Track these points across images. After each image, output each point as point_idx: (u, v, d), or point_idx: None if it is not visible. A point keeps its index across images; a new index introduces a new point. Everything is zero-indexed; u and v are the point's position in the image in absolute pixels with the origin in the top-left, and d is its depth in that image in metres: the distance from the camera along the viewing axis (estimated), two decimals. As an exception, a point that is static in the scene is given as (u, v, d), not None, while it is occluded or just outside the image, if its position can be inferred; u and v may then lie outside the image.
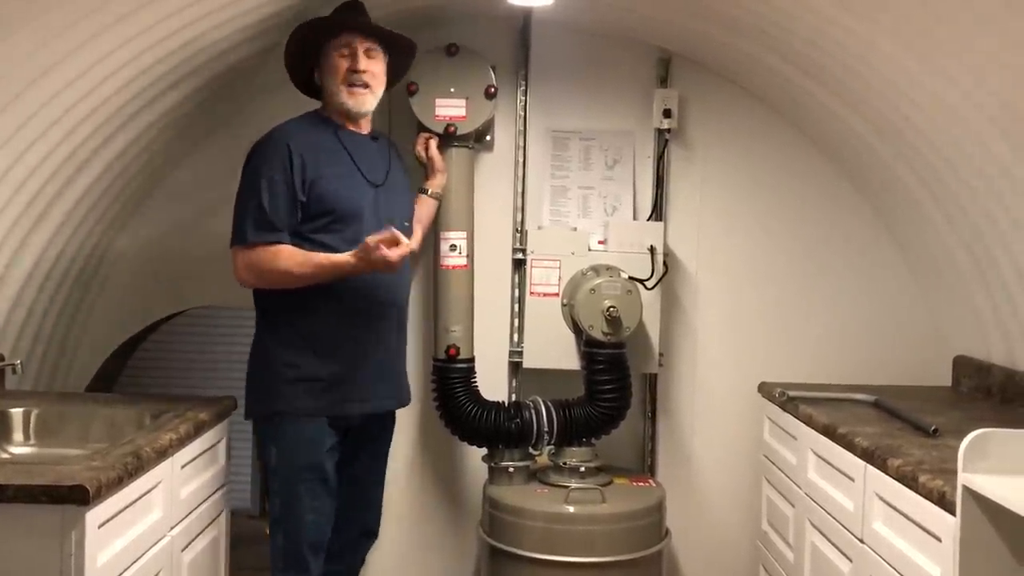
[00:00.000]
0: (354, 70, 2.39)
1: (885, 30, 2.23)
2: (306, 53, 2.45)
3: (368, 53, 2.41)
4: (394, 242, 2.21)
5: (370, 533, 2.66)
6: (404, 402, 2.60)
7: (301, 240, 2.32)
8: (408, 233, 2.52)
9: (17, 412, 2.32)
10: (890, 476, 1.95)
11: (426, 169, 2.85)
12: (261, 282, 2.35)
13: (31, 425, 2.32)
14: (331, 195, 2.33)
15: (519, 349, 3.03)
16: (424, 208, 2.80)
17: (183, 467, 2.15)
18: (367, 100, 2.43)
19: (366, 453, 2.56)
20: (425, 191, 2.82)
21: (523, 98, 3.04)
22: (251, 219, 2.30)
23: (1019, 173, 2.22)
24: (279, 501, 2.39)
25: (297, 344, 2.36)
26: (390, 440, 2.66)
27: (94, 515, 1.68)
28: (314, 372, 2.35)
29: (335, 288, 2.32)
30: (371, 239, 2.21)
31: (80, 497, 1.63)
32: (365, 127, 2.49)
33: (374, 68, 2.42)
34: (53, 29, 2.04)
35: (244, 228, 2.31)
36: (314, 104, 2.53)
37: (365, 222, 2.37)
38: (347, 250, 2.30)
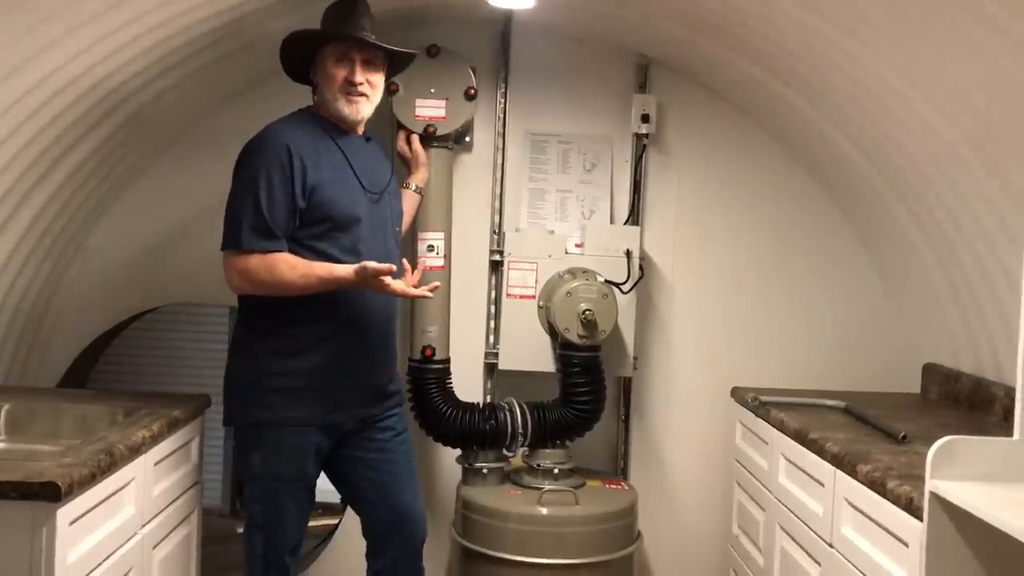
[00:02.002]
0: (352, 82, 2.32)
1: (866, 43, 2.25)
2: (303, 50, 2.37)
3: (366, 63, 2.34)
4: (389, 272, 2.20)
5: (414, 547, 2.50)
6: (392, 405, 2.49)
7: (297, 246, 2.25)
8: (398, 237, 2.51)
9: (-13, 407, 2.30)
10: (859, 482, 1.98)
11: (408, 164, 2.85)
12: (255, 290, 2.27)
13: (1, 421, 2.30)
14: (330, 202, 2.27)
15: (495, 351, 3.04)
16: (408, 203, 2.78)
17: (156, 464, 2.14)
18: (364, 108, 2.36)
19: (377, 454, 2.46)
20: (409, 186, 2.81)
21: (503, 100, 3.05)
22: (248, 223, 2.21)
23: (991, 186, 2.25)
24: (260, 508, 2.34)
25: (283, 351, 2.30)
26: (401, 436, 2.51)
27: (65, 512, 1.67)
28: (300, 381, 2.29)
29: (324, 296, 2.26)
30: (371, 266, 2.17)
31: (51, 494, 1.62)
32: (359, 130, 2.44)
33: (372, 78, 2.35)
34: (11, 33, 2.02)
35: (239, 233, 2.21)
36: (271, 107, 2.45)
37: (363, 228, 2.32)
38: (343, 257, 2.26)
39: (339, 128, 2.38)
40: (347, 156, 2.35)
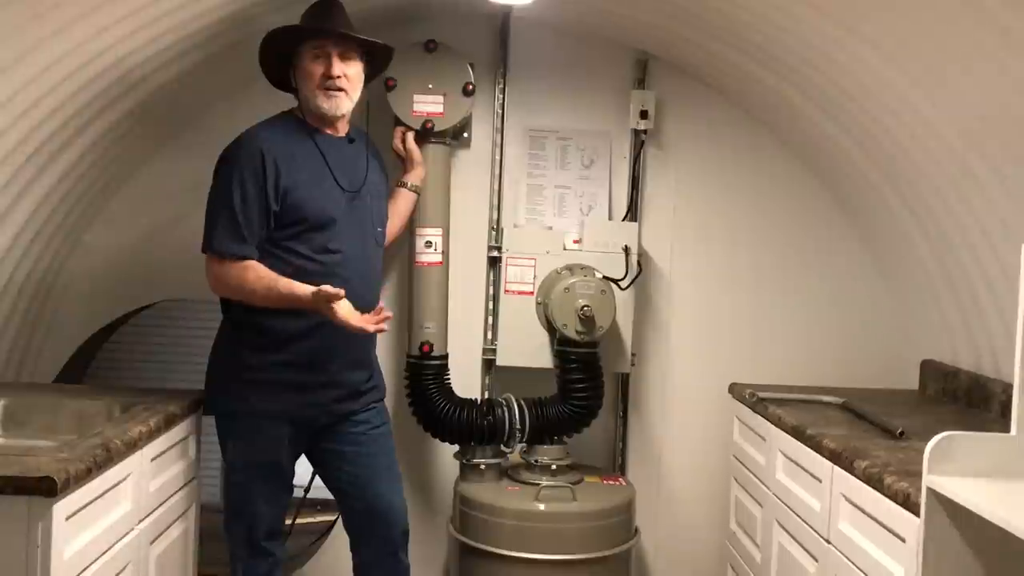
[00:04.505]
0: (328, 76, 2.34)
1: (865, 40, 2.25)
2: (281, 54, 2.40)
3: (343, 57, 2.36)
4: (338, 298, 2.20)
5: (391, 541, 2.51)
6: (369, 401, 2.51)
7: (272, 246, 2.30)
8: (381, 238, 2.53)
9: (-16, 402, 2.29)
10: (857, 477, 1.98)
11: (404, 162, 2.85)
12: (226, 293, 2.35)
13: (-2, 415, 2.30)
14: (304, 204, 2.30)
15: (493, 347, 3.03)
16: (403, 201, 2.79)
17: (153, 460, 2.14)
18: (343, 103, 2.38)
19: (352, 448, 2.47)
20: (405, 184, 2.81)
21: (501, 96, 3.05)
22: (222, 228, 2.27)
23: (990, 184, 2.25)
24: (237, 494, 2.39)
25: (259, 345, 2.34)
26: (378, 430, 2.51)
27: (62, 507, 1.67)
28: (275, 374, 2.34)
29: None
30: (325, 290, 2.19)
31: (48, 489, 1.62)
32: (341, 129, 2.45)
33: (349, 72, 2.37)
34: (11, 24, 2.01)
35: (215, 237, 2.28)
36: (266, 104, 2.48)
37: (338, 230, 2.35)
38: (317, 258, 2.31)
39: (319, 129, 2.41)
40: (325, 157, 2.37)
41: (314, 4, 2.40)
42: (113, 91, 2.43)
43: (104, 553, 1.87)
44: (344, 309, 2.24)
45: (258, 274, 2.28)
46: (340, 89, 2.36)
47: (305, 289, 2.24)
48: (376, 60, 2.52)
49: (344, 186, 2.39)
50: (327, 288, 2.20)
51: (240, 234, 2.26)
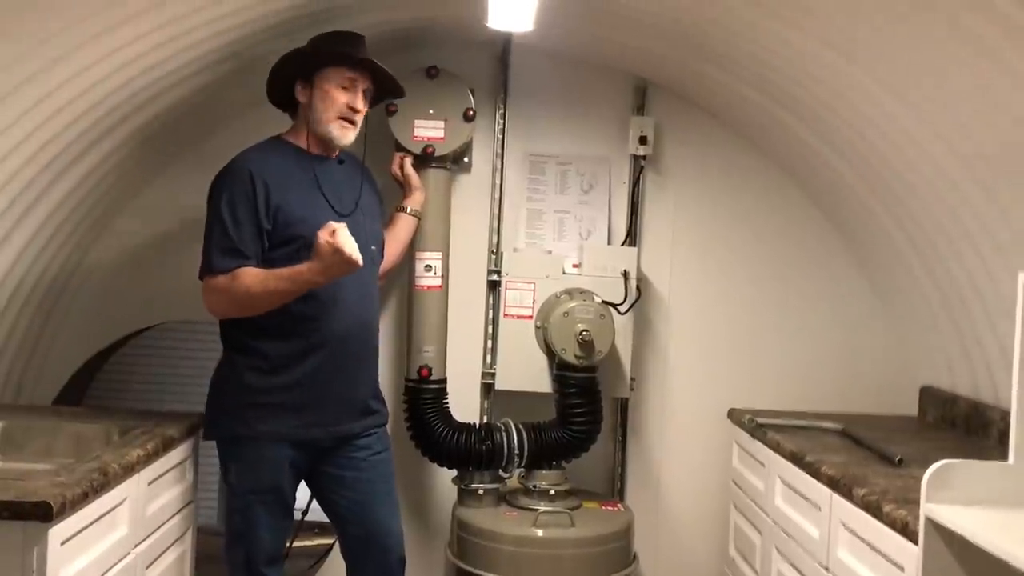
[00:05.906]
0: (353, 108, 2.39)
1: (857, 63, 2.27)
2: (294, 73, 2.42)
3: (365, 94, 2.43)
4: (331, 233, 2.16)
5: (388, 567, 2.51)
6: (372, 425, 2.50)
7: (268, 267, 2.28)
8: (376, 257, 2.53)
9: (-18, 425, 2.29)
10: (855, 505, 1.97)
11: (403, 188, 2.86)
12: (229, 309, 2.32)
13: (-4, 438, 2.30)
14: (297, 222, 2.31)
15: (492, 371, 3.03)
16: (402, 226, 2.80)
17: (150, 484, 2.13)
18: (351, 135, 2.42)
19: (353, 473, 2.47)
20: (404, 209, 2.82)
21: (501, 121, 3.07)
22: (215, 249, 2.27)
23: (985, 208, 2.26)
24: (239, 519, 2.38)
25: (260, 368, 2.34)
26: (379, 455, 2.51)
27: (57, 531, 1.66)
28: (276, 397, 2.33)
29: (299, 311, 2.30)
30: (321, 235, 2.14)
31: (43, 513, 1.62)
32: (334, 152, 2.48)
33: (364, 108, 2.44)
34: (22, 46, 2.03)
35: (209, 258, 2.29)
36: (271, 129, 2.51)
37: None
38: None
39: (309, 152, 2.43)
40: (316, 179, 2.39)
41: (338, 32, 2.43)
42: (117, 114, 2.44)
43: (100, 577, 1.86)
44: (344, 235, 2.15)
45: (250, 272, 2.26)
46: (354, 123, 2.41)
47: (302, 264, 2.20)
48: (377, 94, 2.54)
49: (336, 207, 2.39)
50: (321, 233, 2.14)
51: (235, 248, 2.26)
